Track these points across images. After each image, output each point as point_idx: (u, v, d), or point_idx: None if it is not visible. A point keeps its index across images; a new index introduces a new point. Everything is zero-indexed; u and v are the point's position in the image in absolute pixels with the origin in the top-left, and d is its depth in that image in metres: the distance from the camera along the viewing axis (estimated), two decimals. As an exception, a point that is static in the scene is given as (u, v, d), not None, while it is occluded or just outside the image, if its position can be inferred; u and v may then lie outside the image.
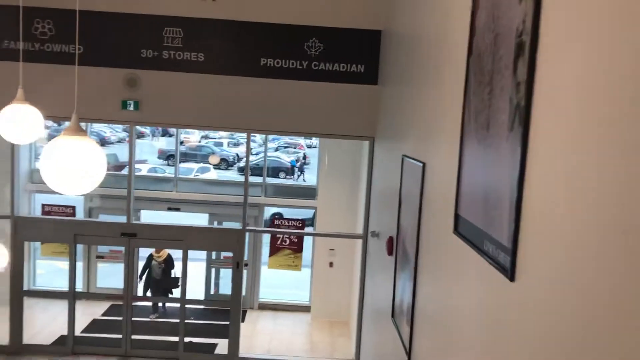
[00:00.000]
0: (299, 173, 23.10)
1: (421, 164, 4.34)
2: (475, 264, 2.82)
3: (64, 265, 11.32)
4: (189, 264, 8.58)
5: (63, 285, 10.79)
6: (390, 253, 5.93)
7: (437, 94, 4.14)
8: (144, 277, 10.70)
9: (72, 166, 2.87)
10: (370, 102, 7.80)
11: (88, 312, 10.26)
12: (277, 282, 13.16)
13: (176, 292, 9.91)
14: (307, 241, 10.96)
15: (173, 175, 12.06)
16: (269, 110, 7.89)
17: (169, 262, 10.66)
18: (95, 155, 2.96)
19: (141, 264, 10.70)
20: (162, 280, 10.51)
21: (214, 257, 11.36)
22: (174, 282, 10.29)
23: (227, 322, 8.71)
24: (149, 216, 11.42)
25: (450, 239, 3.35)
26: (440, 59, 4.09)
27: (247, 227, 8.58)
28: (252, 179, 13.29)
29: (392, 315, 5.49)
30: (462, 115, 3.09)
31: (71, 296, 8.70)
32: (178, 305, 8.78)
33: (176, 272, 10.37)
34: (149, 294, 11.10)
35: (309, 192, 11.75)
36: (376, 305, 7.27)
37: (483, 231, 2.66)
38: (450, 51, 3.66)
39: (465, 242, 3.00)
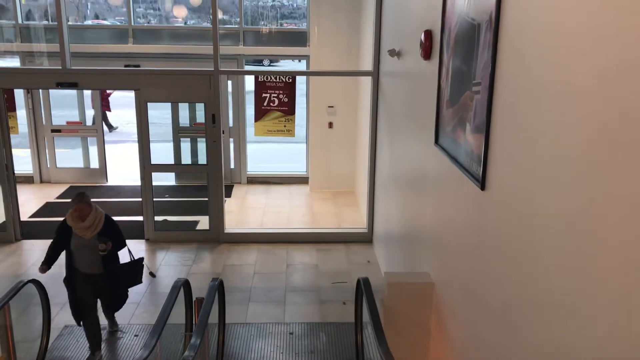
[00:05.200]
0: None
1: None
2: None
3: (22, 152, 9.43)
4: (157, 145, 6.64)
5: (27, 169, 8.96)
6: (427, 56, 4.02)
7: None
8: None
9: None
10: None
11: (42, 196, 8.49)
12: (266, 155, 11.41)
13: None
14: (300, 103, 9.01)
15: (126, 25, 9.27)
16: None
17: (112, 232, 4.61)
18: None
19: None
20: (103, 277, 4.59)
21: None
22: (137, 271, 4.90)
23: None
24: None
25: None
26: None
27: (221, 69, 6.56)
28: (226, 25, 10.96)
29: (436, 141, 3.68)
30: None
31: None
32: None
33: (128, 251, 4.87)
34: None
35: (298, 38, 9.61)
36: (397, 165, 5.43)
37: None
38: None
39: None
